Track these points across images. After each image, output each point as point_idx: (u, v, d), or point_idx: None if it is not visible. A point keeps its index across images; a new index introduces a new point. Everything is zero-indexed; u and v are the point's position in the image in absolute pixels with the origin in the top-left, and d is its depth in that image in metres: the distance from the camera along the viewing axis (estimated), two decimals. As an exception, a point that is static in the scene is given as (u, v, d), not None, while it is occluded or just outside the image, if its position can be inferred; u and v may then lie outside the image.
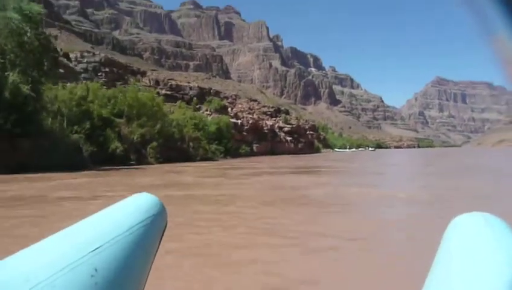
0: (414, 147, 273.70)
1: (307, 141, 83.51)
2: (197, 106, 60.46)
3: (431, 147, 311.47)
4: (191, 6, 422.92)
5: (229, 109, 69.20)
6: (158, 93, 56.26)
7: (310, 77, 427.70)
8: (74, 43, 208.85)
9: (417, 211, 9.13)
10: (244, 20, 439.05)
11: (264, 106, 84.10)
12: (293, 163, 40.92)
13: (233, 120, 60.96)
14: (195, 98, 59.12)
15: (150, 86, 57.58)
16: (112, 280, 0.48)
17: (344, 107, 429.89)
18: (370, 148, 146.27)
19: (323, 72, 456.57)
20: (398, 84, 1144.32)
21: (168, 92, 57.64)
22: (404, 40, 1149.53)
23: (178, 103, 46.91)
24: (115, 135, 30.98)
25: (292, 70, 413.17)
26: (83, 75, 49.00)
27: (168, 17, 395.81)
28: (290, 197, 12.18)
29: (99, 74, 50.37)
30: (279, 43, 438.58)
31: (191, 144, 40.20)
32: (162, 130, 36.93)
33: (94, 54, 55.95)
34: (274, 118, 78.03)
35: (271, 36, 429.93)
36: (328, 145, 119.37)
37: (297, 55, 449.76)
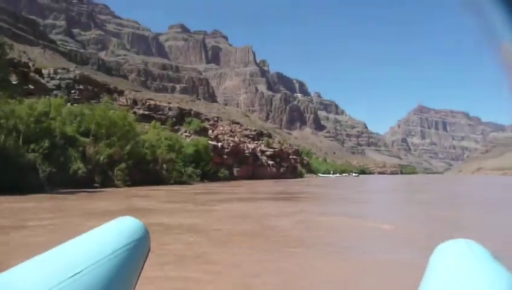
0: (397, 173, 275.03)
1: (290, 165, 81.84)
2: (176, 127, 58.42)
3: (414, 173, 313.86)
4: (179, 30, 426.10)
5: (210, 131, 67.33)
6: (135, 113, 54.25)
7: (296, 102, 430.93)
8: (58, 62, 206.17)
9: (405, 251, 7.23)
10: (231, 45, 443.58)
11: (246, 129, 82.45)
12: (272, 188, 38.98)
13: (213, 142, 58.99)
14: (171, 119, 57.05)
15: (126, 106, 55.47)
16: None
17: (329, 132, 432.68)
18: (354, 174, 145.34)
19: (309, 97, 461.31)
20: (382, 111, 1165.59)
21: (146, 112, 55.58)
22: (389, 68, 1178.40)
23: (152, 123, 44.78)
24: (78, 155, 28.60)
25: (278, 95, 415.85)
26: (55, 92, 46.68)
27: (155, 40, 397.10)
28: (252, 229, 10.23)
29: (72, 91, 48.11)
30: (266, 68, 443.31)
31: (164, 166, 37.96)
32: (132, 151, 34.69)
33: (69, 71, 53.80)
34: (256, 142, 76.39)
35: (257, 61, 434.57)
36: (311, 170, 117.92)
37: (283, 80, 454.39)
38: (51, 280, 0.45)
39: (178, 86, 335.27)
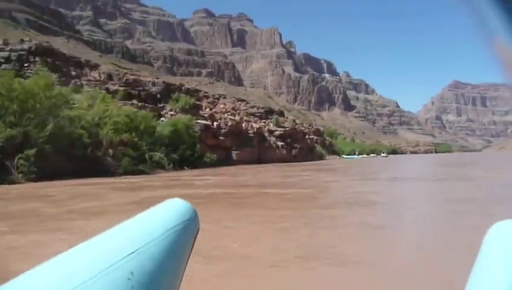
0: (431, 152, 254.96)
1: (306, 146, 70.08)
2: (160, 105, 48.11)
3: (449, 152, 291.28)
4: (204, 15, 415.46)
5: (206, 109, 56.66)
6: (107, 89, 44.34)
7: (324, 83, 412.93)
8: (81, 51, 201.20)
9: None
10: (256, 27, 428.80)
11: (252, 106, 71.24)
12: (266, 176, 28.31)
13: (205, 122, 48.34)
14: (155, 95, 46.74)
15: (98, 81, 45.70)
16: (147, 283, 0.48)
17: (359, 112, 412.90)
18: (382, 154, 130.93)
19: (337, 77, 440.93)
20: (414, 89, 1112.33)
21: (121, 88, 45.51)
22: (420, 43, 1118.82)
23: (101, 95, 34.42)
24: None
25: (305, 77, 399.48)
26: (3, 66, 37.37)
27: (181, 26, 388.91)
28: None
29: (26, 64, 38.72)
30: (292, 50, 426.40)
31: (110, 151, 27.76)
32: (58, 132, 24.70)
33: (23, 41, 44.44)
34: (264, 120, 65.24)
35: (284, 42, 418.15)
36: (335, 152, 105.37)
37: (311, 61, 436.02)
38: (106, 260, 0.46)
39: (204, 71, 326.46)
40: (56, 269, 0.44)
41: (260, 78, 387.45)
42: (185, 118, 41.75)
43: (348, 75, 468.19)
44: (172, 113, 46.43)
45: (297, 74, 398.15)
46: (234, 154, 52.30)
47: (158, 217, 0.65)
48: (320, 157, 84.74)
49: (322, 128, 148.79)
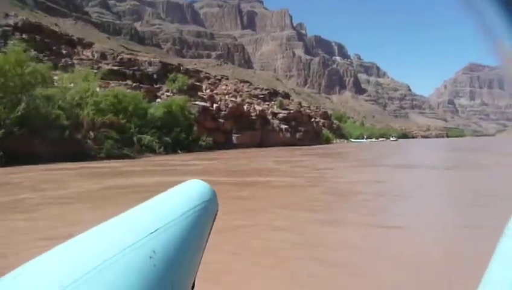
0: (442, 137, 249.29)
1: (311, 129, 67.27)
2: (157, 86, 45.73)
3: (461, 136, 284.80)
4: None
5: (206, 90, 54.13)
6: (100, 68, 42.06)
7: (335, 66, 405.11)
8: (89, 33, 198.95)
9: None
10: (266, 9, 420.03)
11: (256, 88, 68.30)
12: (261, 162, 26.06)
13: (204, 104, 45.92)
14: (151, 76, 44.31)
15: (91, 60, 43.41)
16: (168, 261, 0.49)
17: (370, 96, 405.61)
18: (392, 139, 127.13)
19: (348, 60, 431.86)
20: (427, 72, 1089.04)
21: (115, 68, 43.14)
22: (433, 25, 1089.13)
23: (85, 72, 31.95)
24: None
25: (316, 59, 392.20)
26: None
27: (190, 8, 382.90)
28: None
29: (11, 41, 36.47)
30: (303, 32, 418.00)
31: (91, 133, 25.59)
32: (31, 113, 22.57)
33: (8, 16, 42.15)
34: (267, 103, 62.50)
35: (294, 24, 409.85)
36: (343, 135, 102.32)
37: (322, 44, 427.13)
38: (129, 239, 0.48)
39: (213, 54, 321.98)
40: (79, 247, 0.45)
41: (270, 60, 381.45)
42: (180, 99, 39.32)
43: (359, 58, 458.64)
44: (168, 94, 44.06)
45: (308, 57, 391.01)
46: (234, 137, 49.91)
47: (178, 197, 0.66)
48: (327, 141, 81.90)
49: (330, 112, 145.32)
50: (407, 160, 27.24)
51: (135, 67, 44.82)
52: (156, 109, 36.15)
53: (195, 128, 42.65)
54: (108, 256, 0.43)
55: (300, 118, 63.89)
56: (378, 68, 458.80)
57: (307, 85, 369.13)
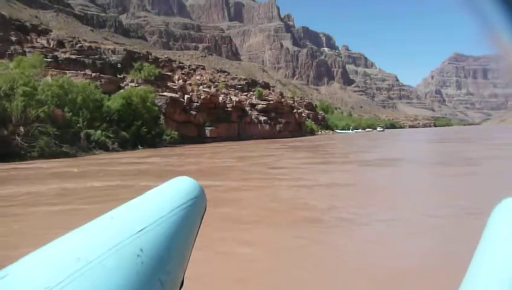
0: (430, 126, 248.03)
1: (294, 121, 63.70)
2: (121, 76, 41.61)
3: (448, 125, 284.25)
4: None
5: (179, 80, 50.08)
6: (56, 57, 37.77)
7: (323, 57, 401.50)
8: (72, 25, 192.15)
9: None
10: (254, 0, 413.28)
11: (233, 78, 64.26)
12: (222, 158, 22.38)
13: (172, 94, 41.94)
14: (115, 65, 40.15)
15: (46, 48, 39.06)
16: (157, 260, 0.48)
17: (358, 86, 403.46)
18: (378, 129, 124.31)
19: (336, 51, 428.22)
20: (414, 63, 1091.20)
21: (73, 56, 38.89)
22: (419, 16, 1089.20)
23: (16, 59, 27.89)
24: None
25: (304, 51, 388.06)
26: None
27: (177, 0, 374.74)
28: None
29: None
30: (291, 23, 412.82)
31: (21, 129, 21.64)
32: None
33: None
34: (246, 93, 58.68)
35: (282, 16, 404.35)
36: (328, 126, 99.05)
37: (310, 35, 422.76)
38: (116, 238, 0.47)
39: (200, 46, 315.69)
40: (65, 247, 0.44)
41: (258, 52, 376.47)
42: (141, 90, 35.29)
43: (348, 49, 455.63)
44: (133, 84, 39.98)
45: (296, 48, 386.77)
46: (208, 130, 46.08)
47: (166, 195, 0.65)
48: (312, 132, 78.50)
49: (317, 103, 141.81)
50: (389, 153, 23.84)
51: (96, 56, 40.56)
52: (113, 101, 32.16)
53: (162, 121, 38.80)
54: (95, 255, 0.43)
55: (282, 108, 60.19)
56: (366, 59, 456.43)
57: (296, 76, 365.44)
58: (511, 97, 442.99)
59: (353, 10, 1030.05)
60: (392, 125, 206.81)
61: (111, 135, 29.82)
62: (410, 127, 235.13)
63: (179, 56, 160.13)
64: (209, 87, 52.11)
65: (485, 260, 0.47)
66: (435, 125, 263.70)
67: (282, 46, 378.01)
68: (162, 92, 40.64)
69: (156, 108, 35.90)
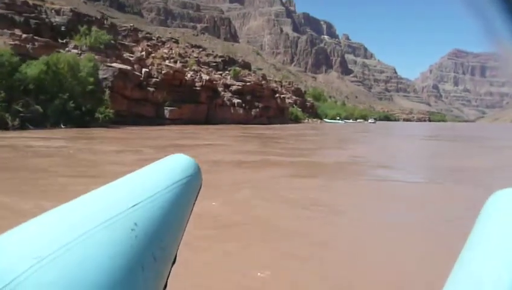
0: (425, 121, 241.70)
1: (275, 106, 57.05)
2: (64, 41, 34.60)
3: (443, 121, 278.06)
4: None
5: (142, 52, 43.07)
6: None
7: (322, 45, 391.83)
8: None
9: None
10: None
11: (208, 54, 56.97)
12: (152, 147, 15.82)
13: (123, 66, 35.09)
14: (29, 21, 32.96)
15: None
16: (150, 234, 0.47)
17: (356, 77, 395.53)
18: (370, 120, 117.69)
19: (336, 40, 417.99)
20: (413, 56, 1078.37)
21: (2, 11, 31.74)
22: (422, 10, 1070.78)
23: None
24: None
25: (304, 37, 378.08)
26: None
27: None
28: None
29: None
30: (292, 8, 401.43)
31: None
32: None
33: None
34: (221, 72, 51.78)
35: (283, 0, 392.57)
36: (317, 115, 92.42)
37: (310, 22, 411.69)
38: (110, 211, 0.45)
39: (199, 26, 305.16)
40: (57, 219, 0.43)
41: (257, 36, 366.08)
42: (70, 56, 28.41)
43: (348, 38, 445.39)
44: (76, 51, 33.05)
45: (296, 34, 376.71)
46: (167, 111, 39.39)
47: (162, 171, 0.64)
48: (296, 120, 71.93)
49: (310, 89, 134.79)
50: (364, 152, 17.47)
51: (32, 14, 33.47)
52: (31, 67, 25.35)
53: (107, 97, 32.04)
54: (89, 227, 0.41)
55: (260, 92, 53.39)
56: (365, 49, 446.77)
57: (293, 63, 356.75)
58: (506, 96, 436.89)
59: (356, 0, 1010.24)
60: (386, 118, 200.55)
61: (20, 109, 23.18)
62: (405, 120, 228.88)
63: (169, 33, 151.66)
64: (176, 62, 45.11)
65: (476, 250, 0.46)
66: (430, 120, 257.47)
67: (282, 31, 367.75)
68: (110, 63, 33.76)
69: (92, 79, 28.97)
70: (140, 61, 39.03)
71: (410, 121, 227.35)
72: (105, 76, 32.70)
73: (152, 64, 39.40)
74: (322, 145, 21.67)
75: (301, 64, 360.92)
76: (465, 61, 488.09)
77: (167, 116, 39.35)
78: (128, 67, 35.26)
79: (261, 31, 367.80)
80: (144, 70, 38.41)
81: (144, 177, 0.60)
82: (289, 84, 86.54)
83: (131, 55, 38.77)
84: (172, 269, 0.54)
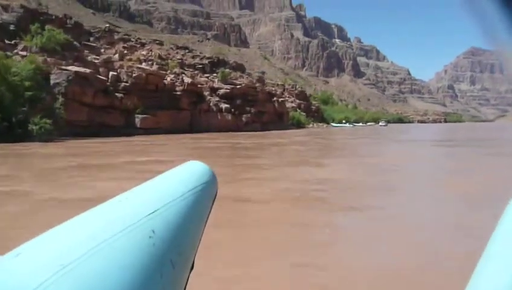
0: (440, 122, 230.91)
1: (272, 111, 51.31)
2: (12, 42, 29.78)
3: (460, 121, 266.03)
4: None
5: (115, 55, 38.04)
6: None
7: (334, 48, 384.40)
8: (73, 8, 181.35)
9: None
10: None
11: (194, 56, 51.43)
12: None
13: (81, 69, 30.01)
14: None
15: None
16: (168, 241, 0.47)
17: (369, 80, 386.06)
18: (381, 123, 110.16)
19: (348, 43, 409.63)
20: (427, 57, 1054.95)
21: None
22: (435, 8, 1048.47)
23: None
24: None
25: (315, 41, 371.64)
26: None
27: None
28: None
29: None
30: (302, 13, 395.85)
31: None
32: None
33: None
34: (207, 75, 46.31)
35: (294, 5, 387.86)
36: (324, 119, 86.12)
37: (321, 26, 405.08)
38: (128, 219, 0.46)
39: (209, 34, 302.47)
40: (77, 227, 0.44)
41: (268, 42, 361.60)
42: (2, 56, 23.37)
43: (359, 41, 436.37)
44: (25, 54, 28.18)
45: (307, 39, 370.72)
46: (139, 120, 34.11)
47: (177, 178, 0.64)
48: (299, 125, 65.87)
49: (319, 93, 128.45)
50: (348, 172, 11.66)
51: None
52: None
53: (59, 105, 26.97)
54: (108, 235, 0.42)
55: (254, 95, 47.68)
56: (378, 51, 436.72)
57: (305, 68, 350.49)
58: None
59: (367, 2, 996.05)
60: (400, 120, 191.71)
61: None
62: (419, 122, 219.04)
63: (175, 39, 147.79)
64: (158, 65, 39.90)
65: (496, 254, 0.45)
66: (445, 121, 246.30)
67: (292, 36, 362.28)
68: (64, 66, 28.71)
69: (28, 84, 23.82)
70: (108, 63, 33.93)
71: (425, 122, 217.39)
72: (57, 81, 27.66)
73: (121, 66, 34.21)
74: (293, 159, 15.86)
75: (313, 69, 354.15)
76: (483, 59, 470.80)
77: (138, 125, 34.05)
78: (88, 70, 30.11)
79: (271, 36, 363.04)
80: (111, 74, 33.26)
81: (160, 185, 0.60)
82: (292, 87, 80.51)
83: (96, 57, 33.70)
84: (190, 275, 0.54)
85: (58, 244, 0.40)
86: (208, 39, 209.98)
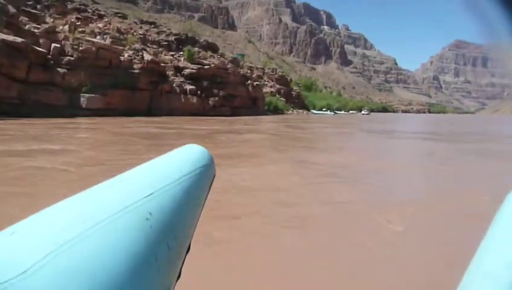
0: (424, 112, 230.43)
1: (245, 94, 47.39)
2: None
3: (443, 112, 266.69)
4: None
5: (65, 26, 33.37)
6: None
7: (322, 35, 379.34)
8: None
9: None
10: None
11: (160, 32, 46.80)
12: None
13: (12, 38, 25.50)
14: None
15: None
16: (165, 224, 0.47)
17: (355, 68, 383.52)
18: (363, 112, 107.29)
19: (336, 30, 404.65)
20: (414, 47, 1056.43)
21: None
22: (423, 2, 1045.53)
23: None
24: None
25: (303, 27, 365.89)
26: None
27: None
28: None
29: None
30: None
31: None
32: None
33: None
34: (173, 53, 41.98)
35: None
36: (304, 106, 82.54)
37: (310, 12, 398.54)
38: (125, 200, 0.45)
39: (196, 15, 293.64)
40: (74, 207, 0.43)
41: (256, 26, 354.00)
42: None
43: (348, 29, 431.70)
44: None
45: (295, 24, 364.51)
46: (84, 99, 29.83)
47: (175, 161, 0.63)
48: (276, 111, 62.19)
49: (302, 79, 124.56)
50: (288, 179, 8.13)
51: None
52: None
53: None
54: (105, 216, 0.41)
55: (225, 77, 43.57)
56: (365, 40, 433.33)
57: (292, 53, 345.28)
58: (507, 87, 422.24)
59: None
60: (384, 109, 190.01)
61: None
62: (403, 111, 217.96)
63: (155, 19, 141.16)
64: (113, 39, 35.35)
65: (492, 249, 0.45)
66: (429, 112, 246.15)
67: (281, 21, 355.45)
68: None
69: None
70: (51, 34, 29.34)
71: (409, 112, 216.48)
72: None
73: (66, 38, 29.67)
74: (229, 151, 12.21)
75: (300, 55, 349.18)
76: (467, 52, 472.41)
77: (84, 105, 29.78)
78: (20, 40, 25.60)
79: (259, 20, 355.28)
80: (53, 45, 28.75)
81: (158, 167, 0.59)
82: (272, 71, 76.40)
83: (37, 26, 29.08)
84: (186, 258, 0.54)
85: (54, 223, 0.39)
86: (192, 18, 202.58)
